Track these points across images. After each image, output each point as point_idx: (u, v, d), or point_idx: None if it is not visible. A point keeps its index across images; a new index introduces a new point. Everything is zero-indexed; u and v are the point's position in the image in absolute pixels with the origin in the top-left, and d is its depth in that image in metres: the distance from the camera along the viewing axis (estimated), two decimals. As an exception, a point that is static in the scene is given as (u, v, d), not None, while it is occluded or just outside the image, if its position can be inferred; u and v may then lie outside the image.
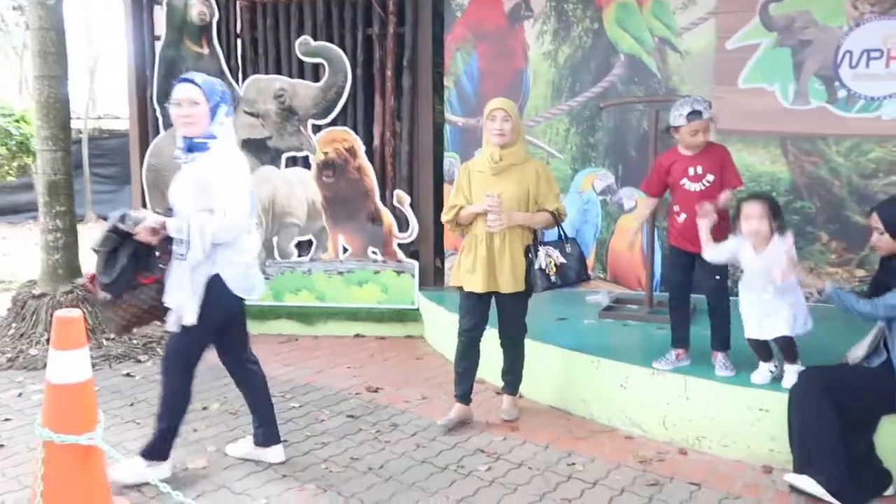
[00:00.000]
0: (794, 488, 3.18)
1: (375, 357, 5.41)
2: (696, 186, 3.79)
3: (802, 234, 5.24)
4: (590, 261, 5.93)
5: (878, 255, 3.37)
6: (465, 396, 4.01)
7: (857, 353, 3.31)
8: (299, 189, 6.12)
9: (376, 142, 6.12)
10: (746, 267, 3.47)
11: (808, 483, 3.08)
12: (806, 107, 5.16)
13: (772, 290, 3.36)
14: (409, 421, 4.11)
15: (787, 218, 5.23)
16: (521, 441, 3.85)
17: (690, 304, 3.97)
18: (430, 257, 6.21)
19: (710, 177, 3.77)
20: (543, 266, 3.72)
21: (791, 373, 3.46)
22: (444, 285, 6.03)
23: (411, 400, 4.45)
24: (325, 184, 6.07)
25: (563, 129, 5.93)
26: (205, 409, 4.20)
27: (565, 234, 3.85)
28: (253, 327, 3.84)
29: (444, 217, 3.92)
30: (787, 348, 3.49)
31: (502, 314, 3.95)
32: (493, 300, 3.90)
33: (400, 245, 6.05)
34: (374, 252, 6.08)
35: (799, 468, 3.15)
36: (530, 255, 3.75)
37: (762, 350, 3.58)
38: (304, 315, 6.01)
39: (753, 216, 3.39)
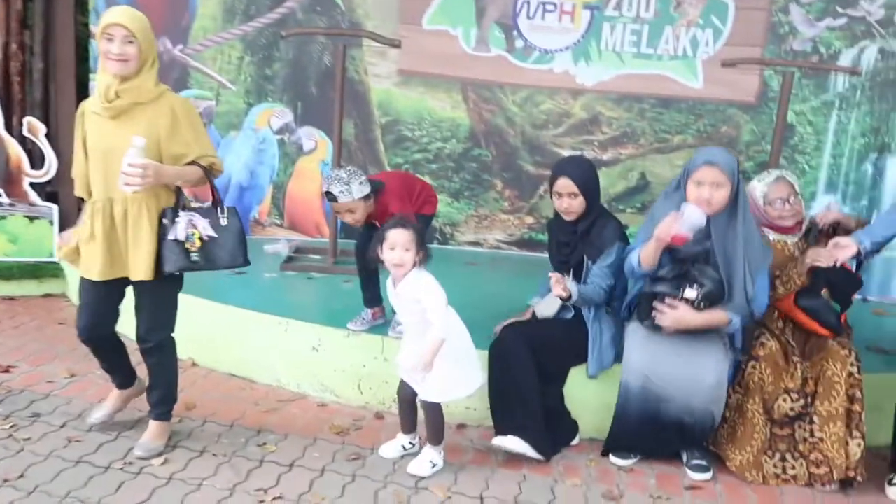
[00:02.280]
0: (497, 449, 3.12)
1: (3, 324, 4.39)
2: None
3: (479, 181, 5.32)
4: (265, 205, 5.44)
5: (547, 207, 3.41)
6: (123, 385, 3.23)
7: (545, 310, 3.32)
8: None
9: (-4, 54, 4.90)
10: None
11: (516, 443, 3.04)
12: (486, 54, 5.16)
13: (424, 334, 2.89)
14: (55, 408, 3.33)
15: (466, 165, 5.32)
16: (200, 422, 3.32)
17: (376, 264, 3.65)
18: (73, 199, 5.20)
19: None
20: (182, 237, 2.75)
21: (424, 456, 3.02)
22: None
23: (56, 379, 3.64)
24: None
25: (237, 58, 5.29)
26: None
27: (220, 200, 2.94)
28: None
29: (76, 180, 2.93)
30: (427, 419, 3.01)
31: (137, 309, 2.96)
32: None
33: (33, 185, 4.97)
34: (-3, 193, 4.93)
35: (505, 429, 3.10)
36: (165, 221, 2.77)
37: (405, 411, 3.13)
38: None
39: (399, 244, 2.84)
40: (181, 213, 2.79)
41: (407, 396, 3.04)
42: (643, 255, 3.00)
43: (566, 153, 5.17)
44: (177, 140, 2.75)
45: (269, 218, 5.44)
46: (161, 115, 2.73)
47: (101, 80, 2.72)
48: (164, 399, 3.09)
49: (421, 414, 3.04)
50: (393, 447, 3.11)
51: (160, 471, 2.89)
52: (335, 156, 4.60)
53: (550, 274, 3.15)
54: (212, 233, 2.83)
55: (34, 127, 4.90)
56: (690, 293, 2.93)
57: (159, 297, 2.95)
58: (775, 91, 4.73)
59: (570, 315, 3.26)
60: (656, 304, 2.99)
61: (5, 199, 4.94)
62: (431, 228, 5.30)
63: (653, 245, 2.94)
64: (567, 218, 3.23)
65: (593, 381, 3.27)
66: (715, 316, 2.96)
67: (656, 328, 3.01)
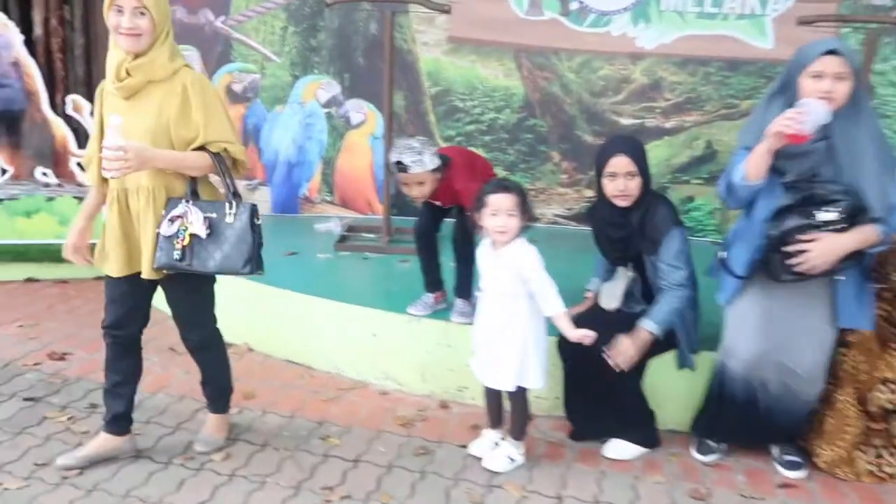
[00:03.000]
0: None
1: (56, 308, 4.32)
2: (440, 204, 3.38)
3: (535, 153, 5.09)
4: (314, 182, 5.29)
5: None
6: (115, 422, 2.74)
7: (610, 301, 3.07)
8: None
9: (38, 31, 4.78)
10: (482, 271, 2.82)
11: (624, 449, 2.97)
12: (540, 18, 4.88)
13: (504, 306, 2.72)
14: (112, 399, 3.25)
15: (520, 136, 5.09)
16: (259, 412, 3.21)
17: (437, 246, 3.46)
18: (120, 178, 5.11)
19: (450, 203, 3.34)
20: (168, 233, 2.44)
21: (502, 451, 2.86)
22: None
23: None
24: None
25: (280, 28, 5.10)
26: None
27: (235, 192, 2.53)
28: None
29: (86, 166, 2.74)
30: (513, 410, 2.86)
31: (170, 308, 2.74)
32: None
33: (80, 164, 4.87)
34: (44, 174, 4.84)
35: (593, 431, 3.02)
36: (162, 213, 2.49)
37: (492, 404, 2.94)
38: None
39: (502, 206, 2.64)
40: (179, 205, 2.46)
41: (492, 391, 2.88)
42: (750, 167, 2.52)
43: (626, 122, 4.91)
44: (185, 122, 2.44)
45: (319, 195, 5.28)
46: (172, 94, 2.44)
47: (113, 56, 2.44)
48: (220, 392, 2.96)
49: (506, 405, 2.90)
50: (483, 444, 2.94)
51: (221, 467, 2.78)
52: (386, 129, 4.41)
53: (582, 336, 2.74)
54: (199, 231, 2.44)
55: (78, 105, 4.77)
56: (828, 214, 2.47)
57: (188, 294, 2.68)
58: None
59: (638, 309, 3.00)
60: (791, 247, 2.49)
61: (53, 180, 4.85)
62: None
63: (763, 148, 2.46)
64: (622, 204, 2.84)
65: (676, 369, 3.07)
66: (864, 231, 2.50)
67: (796, 278, 2.54)
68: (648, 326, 2.79)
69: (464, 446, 2.99)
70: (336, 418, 3.18)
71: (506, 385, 2.74)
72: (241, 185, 5.23)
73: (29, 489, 2.57)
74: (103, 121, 2.51)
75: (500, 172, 4.96)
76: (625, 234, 2.90)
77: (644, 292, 2.98)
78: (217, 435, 2.93)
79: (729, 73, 4.77)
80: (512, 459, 2.84)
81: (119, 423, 2.75)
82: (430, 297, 3.44)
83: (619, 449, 2.98)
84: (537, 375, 2.74)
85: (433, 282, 3.46)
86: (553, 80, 4.97)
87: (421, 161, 3.05)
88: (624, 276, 2.99)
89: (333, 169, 5.25)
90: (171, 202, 2.49)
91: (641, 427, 3.01)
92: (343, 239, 4.56)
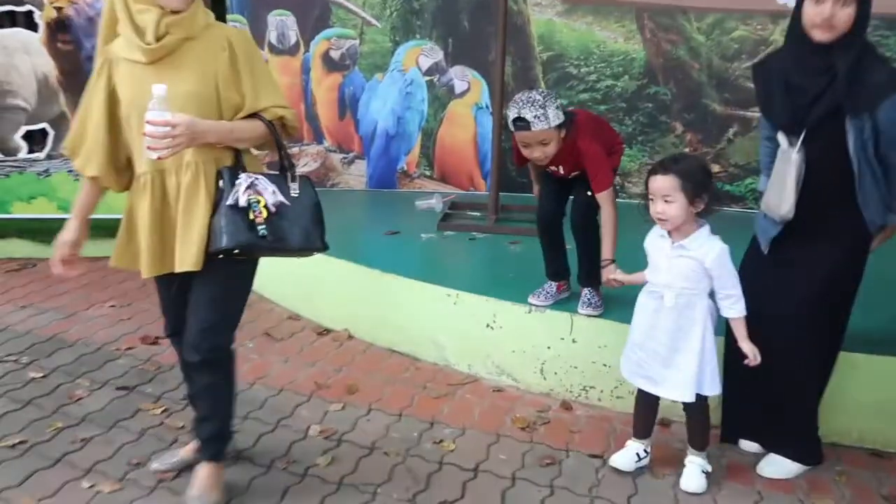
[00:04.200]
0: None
1: (150, 287, 4.11)
2: (561, 172, 2.93)
3: (655, 124, 4.63)
4: (413, 155, 4.96)
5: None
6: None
7: (783, 205, 2.29)
8: (23, 59, 4.45)
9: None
10: (651, 263, 2.45)
11: (783, 466, 2.55)
12: (666, -27, 4.42)
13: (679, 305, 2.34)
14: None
15: (640, 105, 4.64)
16: (364, 409, 2.91)
17: (563, 234, 3.06)
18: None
19: (572, 172, 2.90)
20: (242, 203, 2.01)
21: (694, 467, 2.48)
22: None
23: (207, 354, 3.33)
24: (60, 51, 4.45)
25: (380, -10, 4.78)
26: None
27: (291, 164, 2.16)
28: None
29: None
30: (694, 421, 2.49)
31: (191, 307, 2.17)
32: None
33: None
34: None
35: (762, 439, 2.62)
36: (221, 184, 2.05)
37: (644, 413, 2.57)
38: (43, 231, 4.48)
39: (656, 190, 2.28)
40: (242, 175, 2.05)
41: (647, 396, 2.50)
42: None
43: (761, 89, 4.39)
44: (235, 83, 2.06)
45: (418, 169, 4.97)
46: (215, 50, 2.04)
47: (145, 16, 1.98)
48: (219, 432, 2.30)
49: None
50: (627, 457, 2.55)
51: (328, 473, 2.49)
52: (496, 98, 4.03)
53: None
54: (282, 198, 2.07)
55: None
56: None
57: (227, 287, 2.17)
58: None
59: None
60: None
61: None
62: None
63: None
64: (820, 38, 2.13)
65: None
66: None
67: None
68: (892, 220, 2.29)
69: (595, 456, 2.63)
70: (448, 418, 2.86)
71: (684, 395, 2.36)
72: (336, 157, 5.04)
73: (123, 493, 2.34)
74: (113, 94, 2.06)
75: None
76: (818, 80, 2.17)
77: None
78: (212, 494, 2.25)
79: (886, 32, 4.19)
80: (706, 473, 2.47)
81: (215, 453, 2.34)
82: (552, 286, 3.07)
83: (777, 466, 2.56)
84: (715, 381, 2.38)
85: (557, 271, 3.08)
86: (679, 42, 4.49)
87: (544, 116, 2.62)
88: (792, 161, 2.25)
89: (434, 141, 4.92)
90: (224, 174, 2.05)
91: (805, 440, 2.57)
92: (446, 217, 4.23)
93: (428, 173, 4.99)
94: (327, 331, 3.59)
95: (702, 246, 2.27)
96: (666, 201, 2.24)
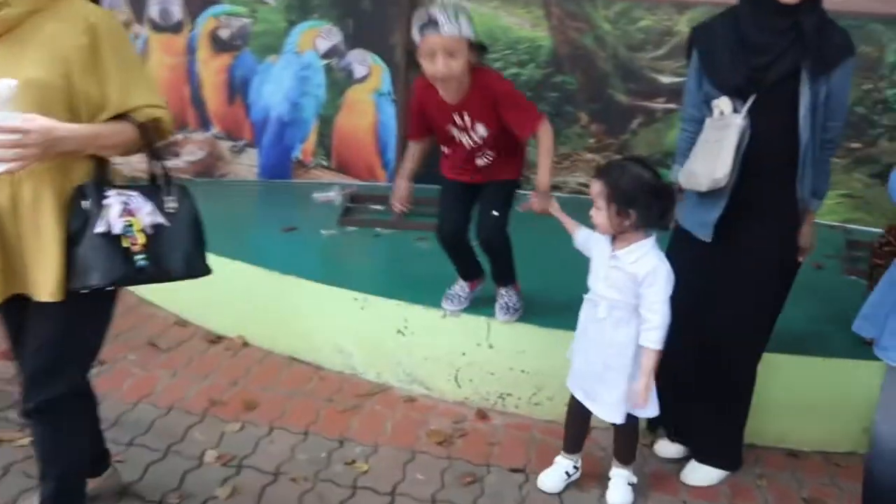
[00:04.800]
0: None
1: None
2: (466, 139, 2.57)
3: (561, 114, 4.51)
4: (309, 144, 4.67)
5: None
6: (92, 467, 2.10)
7: (716, 171, 2.11)
8: None
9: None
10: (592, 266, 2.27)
11: (708, 474, 2.48)
12: (572, -41, 4.29)
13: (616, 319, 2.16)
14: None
15: (546, 94, 4.51)
16: (265, 428, 2.65)
17: (470, 242, 2.74)
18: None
19: (482, 129, 2.52)
20: (117, 230, 1.66)
21: (619, 480, 2.36)
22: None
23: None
24: None
25: (273, -34, 4.44)
26: None
27: (166, 174, 1.79)
28: None
29: None
30: (622, 438, 2.35)
31: (28, 340, 1.78)
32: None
33: None
34: None
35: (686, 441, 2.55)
36: (84, 205, 1.67)
37: (577, 425, 2.40)
38: None
39: (592, 194, 2.13)
40: (110, 193, 1.68)
41: (581, 409, 2.32)
42: None
43: (666, 80, 4.36)
44: (95, 74, 1.66)
45: (314, 159, 4.67)
46: (72, 31, 1.63)
47: None
48: (55, 495, 1.88)
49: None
50: (555, 477, 2.40)
51: (226, 505, 2.23)
52: (397, 84, 3.81)
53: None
54: (160, 219, 1.73)
55: None
56: None
57: (77, 324, 1.76)
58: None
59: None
60: None
61: None
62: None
63: None
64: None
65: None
66: None
67: None
68: (814, 206, 2.24)
69: (517, 470, 2.49)
70: (359, 434, 2.64)
71: (613, 416, 2.21)
72: (224, 145, 4.68)
73: (-19, 546, 2.00)
74: None
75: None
76: (779, 40, 2.07)
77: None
78: None
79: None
80: (631, 485, 2.35)
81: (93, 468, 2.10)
82: (465, 287, 2.87)
83: (702, 473, 2.49)
84: (653, 402, 2.21)
85: (468, 272, 2.87)
86: (586, 31, 4.38)
87: (457, 21, 2.33)
88: (734, 125, 2.10)
89: (331, 129, 4.63)
90: (85, 189, 1.67)
91: (730, 447, 2.51)
92: (347, 211, 3.97)
93: (325, 163, 4.70)
94: (219, 338, 3.28)
95: (638, 260, 2.09)
96: (596, 207, 2.10)
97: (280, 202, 4.28)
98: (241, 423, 2.65)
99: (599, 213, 2.08)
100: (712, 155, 2.13)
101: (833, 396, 2.66)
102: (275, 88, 4.55)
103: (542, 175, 2.52)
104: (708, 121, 2.21)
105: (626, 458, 2.34)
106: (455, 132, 2.56)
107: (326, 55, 4.50)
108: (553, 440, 2.58)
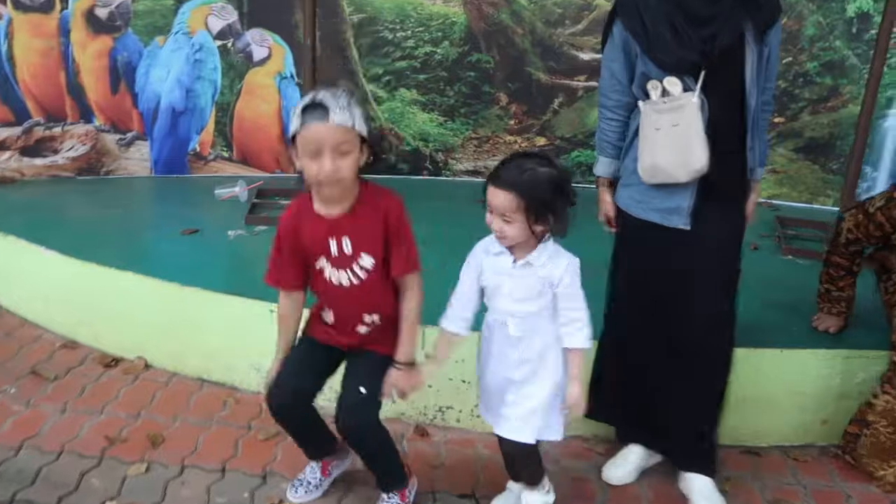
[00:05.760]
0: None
1: None
2: (343, 278, 1.94)
3: (479, 94, 4.28)
4: (207, 134, 4.26)
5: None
6: None
7: (699, 160, 1.99)
8: None
9: None
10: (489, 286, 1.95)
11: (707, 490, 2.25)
12: (484, -70, 4.04)
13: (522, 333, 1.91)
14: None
15: (462, 74, 4.26)
16: (176, 467, 2.30)
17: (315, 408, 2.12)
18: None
19: (367, 260, 1.93)
20: None
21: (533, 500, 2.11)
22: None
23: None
24: None
25: (155, -63, 3.99)
26: None
27: None
28: None
29: None
30: (526, 460, 2.05)
31: None
32: None
33: None
34: None
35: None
36: None
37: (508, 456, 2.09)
38: None
39: (494, 206, 1.82)
40: None
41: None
42: None
43: (586, 57, 4.19)
44: None
45: (213, 150, 4.27)
46: None
47: None
48: None
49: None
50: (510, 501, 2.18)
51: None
52: (305, 68, 3.47)
53: None
54: None
55: None
56: None
57: None
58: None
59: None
60: None
61: None
62: (420, 157, 4.30)
63: None
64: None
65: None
66: None
67: None
68: (759, 175, 2.15)
69: (466, 496, 2.25)
70: (285, 466, 2.33)
71: (523, 437, 1.94)
72: (110, 139, 4.21)
73: None
74: None
75: (436, 118, 4.18)
76: (726, 7, 1.94)
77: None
78: None
79: None
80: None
81: None
82: (315, 468, 2.24)
83: (701, 485, 2.25)
84: (559, 425, 1.99)
85: (318, 450, 2.23)
86: (501, 6, 4.15)
87: (349, 109, 1.77)
88: (691, 105, 1.96)
89: (231, 117, 4.24)
90: None
91: (708, 449, 2.30)
92: (254, 208, 3.62)
93: (226, 154, 4.31)
94: (116, 360, 2.90)
95: (549, 261, 1.85)
96: (505, 220, 1.80)
97: (178, 200, 3.87)
98: (147, 463, 2.30)
99: (512, 226, 1.79)
100: (679, 143, 1.95)
101: (789, 389, 2.54)
102: (164, 74, 4.12)
103: (407, 342, 1.99)
104: (645, 105, 2.02)
105: (535, 478, 2.10)
106: (328, 269, 1.93)
107: (221, 36, 4.10)
108: (500, 458, 2.35)
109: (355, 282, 1.92)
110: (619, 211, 2.20)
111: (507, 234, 1.81)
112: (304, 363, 2.03)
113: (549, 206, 1.78)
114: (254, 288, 2.74)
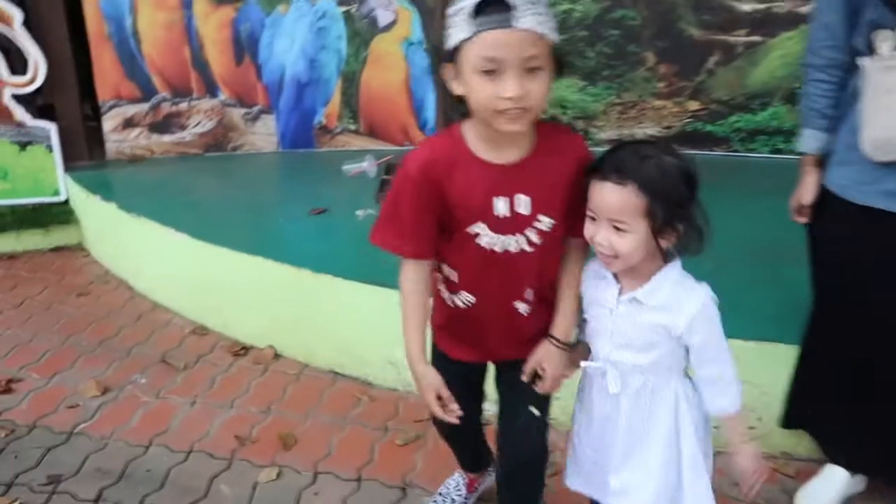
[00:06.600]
0: None
1: (2, 297, 3.19)
2: (511, 244, 1.43)
3: (623, 55, 3.88)
4: (333, 106, 4.07)
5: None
6: None
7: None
8: None
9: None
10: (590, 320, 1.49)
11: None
12: None
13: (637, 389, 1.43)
14: (83, 460, 2.14)
15: (604, 33, 3.87)
16: (309, 475, 2.11)
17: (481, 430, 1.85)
18: (76, 109, 3.88)
19: (546, 222, 1.42)
20: None
21: None
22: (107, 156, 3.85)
23: (81, 401, 2.44)
24: None
25: None
26: None
27: None
28: None
29: None
30: None
31: None
32: None
33: (18, 97, 3.63)
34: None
35: None
36: None
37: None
38: None
39: (603, 209, 1.32)
40: None
41: None
42: None
43: (746, 7, 3.70)
44: None
45: (339, 123, 4.08)
46: None
47: None
48: None
49: None
50: None
51: None
52: (433, 33, 3.20)
53: None
54: None
55: (5, 15, 3.49)
56: None
57: None
58: None
59: None
60: None
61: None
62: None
63: None
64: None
65: None
66: None
67: None
68: None
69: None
70: (425, 477, 2.10)
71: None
72: (236, 113, 4.09)
73: None
74: None
75: (575, 82, 3.82)
76: None
77: None
78: None
79: None
80: None
81: None
82: (460, 484, 1.98)
83: None
84: (706, 489, 1.46)
85: (476, 460, 1.95)
86: (650, -47, 3.73)
87: (541, 12, 1.23)
88: None
89: (357, 87, 4.02)
90: None
91: None
92: (385, 185, 3.39)
93: (353, 127, 4.11)
94: (245, 349, 2.76)
95: (670, 297, 1.34)
96: (617, 228, 1.30)
97: (305, 177, 3.72)
98: (278, 468, 2.12)
99: (626, 238, 1.29)
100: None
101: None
102: (288, 44, 3.95)
103: (570, 314, 1.52)
104: (873, 63, 1.60)
105: None
106: (487, 236, 1.42)
107: (344, 1, 3.86)
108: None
109: (528, 249, 1.43)
110: (822, 197, 1.81)
111: (621, 251, 1.30)
112: (461, 386, 1.58)
113: (684, 209, 1.29)
114: (386, 273, 2.52)
